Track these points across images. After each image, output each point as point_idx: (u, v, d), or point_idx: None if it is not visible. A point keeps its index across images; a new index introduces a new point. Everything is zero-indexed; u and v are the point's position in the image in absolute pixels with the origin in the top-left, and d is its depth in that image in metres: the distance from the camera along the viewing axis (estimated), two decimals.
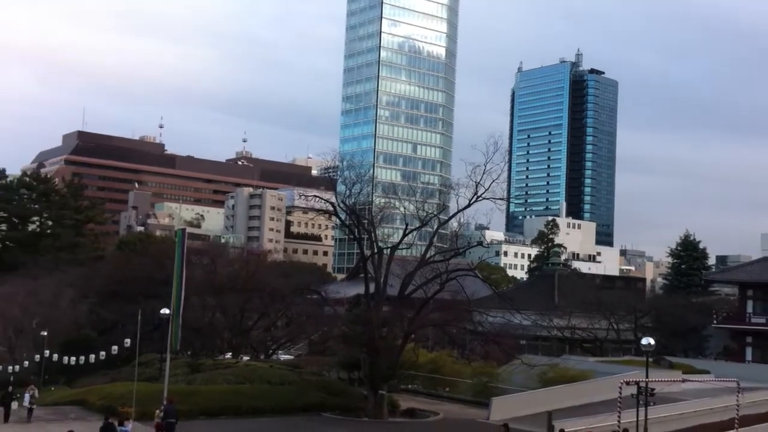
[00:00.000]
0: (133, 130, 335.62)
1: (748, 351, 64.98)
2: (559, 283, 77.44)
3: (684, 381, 37.41)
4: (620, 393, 29.62)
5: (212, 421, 37.71)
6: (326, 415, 40.82)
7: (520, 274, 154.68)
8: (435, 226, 49.78)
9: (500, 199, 46.39)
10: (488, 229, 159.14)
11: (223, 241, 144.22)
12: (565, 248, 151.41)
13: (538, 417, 33.22)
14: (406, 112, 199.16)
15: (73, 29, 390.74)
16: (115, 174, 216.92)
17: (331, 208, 47.84)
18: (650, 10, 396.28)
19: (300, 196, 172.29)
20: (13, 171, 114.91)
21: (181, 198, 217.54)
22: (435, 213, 50.97)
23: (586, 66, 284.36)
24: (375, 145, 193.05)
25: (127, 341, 45.78)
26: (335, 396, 43.79)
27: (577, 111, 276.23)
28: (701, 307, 74.59)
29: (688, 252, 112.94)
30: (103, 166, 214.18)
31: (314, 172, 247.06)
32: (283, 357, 64.94)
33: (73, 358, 50.69)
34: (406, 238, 46.50)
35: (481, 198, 43.51)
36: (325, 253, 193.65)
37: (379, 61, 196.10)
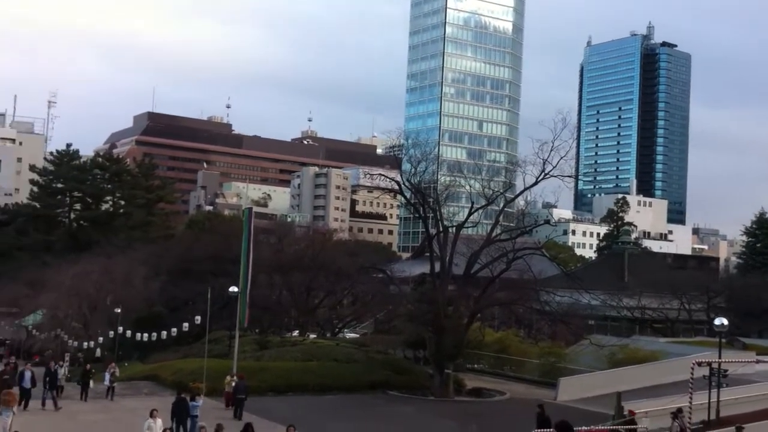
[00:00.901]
0: (201, 110, 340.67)
1: None
2: (629, 262, 76.03)
3: (758, 362, 36.39)
4: (692, 374, 28.92)
5: (281, 397, 38.24)
6: (392, 393, 40.97)
7: (589, 254, 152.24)
8: (501, 205, 49.27)
9: (568, 176, 45.54)
10: (556, 207, 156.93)
11: (289, 220, 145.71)
12: (635, 227, 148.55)
13: (606, 398, 32.67)
14: (472, 89, 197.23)
15: (139, 13, 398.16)
16: (184, 154, 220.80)
17: (396, 187, 47.69)
18: None
19: (365, 174, 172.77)
20: (87, 152, 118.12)
21: (248, 177, 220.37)
22: (501, 191, 50.37)
23: (657, 39, 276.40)
24: (440, 123, 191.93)
25: (198, 318, 46.68)
26: (401, 374, 43.88)
27: (648, 85, 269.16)
28: None
29: (764, 230, 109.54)
30: (172, 147, 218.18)
31: (379, 150, 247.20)
32: (349, 335, 65.40)
33: (146, 335, 51.92)
34: (471, 217, 46.07)
35: (548, 176, 42.78)
36: (390, 232, 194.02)
37: (444, 37, 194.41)
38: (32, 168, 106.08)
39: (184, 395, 28.56)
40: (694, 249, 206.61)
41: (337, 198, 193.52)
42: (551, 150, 42.07)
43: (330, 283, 62.91)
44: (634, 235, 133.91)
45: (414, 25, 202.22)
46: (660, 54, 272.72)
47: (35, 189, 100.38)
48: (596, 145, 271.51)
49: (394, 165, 51.46)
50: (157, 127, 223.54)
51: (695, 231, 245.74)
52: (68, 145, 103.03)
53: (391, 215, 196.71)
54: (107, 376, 35.91)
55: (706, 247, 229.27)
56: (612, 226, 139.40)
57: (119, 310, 53.13)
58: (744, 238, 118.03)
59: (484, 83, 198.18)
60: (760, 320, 68.21)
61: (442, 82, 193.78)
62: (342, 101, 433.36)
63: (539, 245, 48.89)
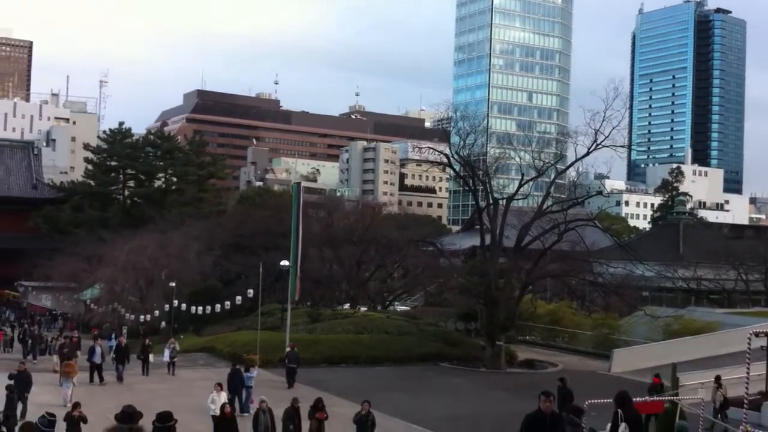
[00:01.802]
0: (249, 87, 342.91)
1: None
2: (684, 232, 74.53)
3: None
4: (749, 345, 28.33)
5: (333, 369, 38.65)
6: (443, 365, 41.04)
7: (643, 224, 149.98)
8: (552, 176, 48.66)
9: (621, 146, 44.78)
10: (608, 178, 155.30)
11: (338, 194, 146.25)
12: (690, 197, 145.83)
13: (661, 369, 32.25)
14: (521, 59, 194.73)
15: None
16: (233, 131, 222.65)
17: (445, 160, 47.42)
18: None
19: (414, 148, 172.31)
20: (139, 130, 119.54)
21: (297, 153, 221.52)
22: (552, 162, 49.74)
23: (711, 5, 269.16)
24: (489, 95, 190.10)
25: (250, 292, 47.22)
26: (452, 346, 43.93)
27: (702, 53, 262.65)
28: None
29: None
30: (222, 123, 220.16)
31: (427, 124, 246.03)
32: (400, 308, 65.62)
33: (200, 308, 52.80)
34: (522, 189, 45.64)
35: (600, 146, 42.05)
36: (440, 205, 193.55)
37: (492, 8, 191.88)
38: (86, 146, 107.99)
39: (239, 366, 29.03)
40: (751, 219, 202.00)
41: (386, 172, 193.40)
42: (603, 120, 41.32)
43: (380, 256, 63.07)
44: (689, 206, 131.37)
45: None
46: (714, 21, 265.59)
47: (90, 167, 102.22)
48: (649, 114, 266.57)
49: (442, 138, 51.14)
50: (207, 104, 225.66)
51: (752, 200, 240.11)
52: (120, 124, 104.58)
53: (440, 188, 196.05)
54: (167, 352, 36.33)
55: (763, 216, 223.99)
56: (666, 196, 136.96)
57: (174, 284, 54.00)
58: None
59: (534, 54, 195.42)
60: None
61: (490, 53, 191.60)
62: (389, 75, 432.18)
63: (591, 216, 48.32)
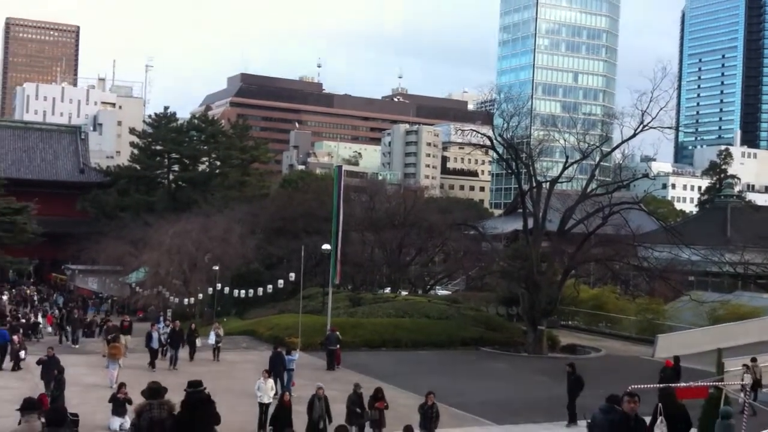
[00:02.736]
0: (292, 70, 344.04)
1: None
2: (732, 216, 72.96)
3: None
4: None
5: (375, 352, 38.73)
6: (485, 349, 40.90)
7: (689, 208, 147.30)
8: (597, 159, 48.00)
9: (668, 128, 43.94)
10: (655, 160, 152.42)
11: (380, 178, 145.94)
12: (739, 179, 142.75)
13: (706, 355, 31.68)
14: (567, 39, 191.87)
15: None
16: (276, 114, 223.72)
17: (488, 143, 46.98)
18: None
19: (456, 131, 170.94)
20: (183, 114, 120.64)
21: (339, 136, 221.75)
22: (597, 144, 49.09)
23: None
24: (533, 76, 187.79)
25: (292, 275, 47.49)
26: (494, 331, 43.72)
27: (753, 32, 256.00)
28: None
29: None
30: (265, 107, 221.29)
31: (470, 106, 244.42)
32: (441, 292, 65.43)
33: (243, 291, 53.22)
34: (566, 172, 45.03)
35: (647, 127, 41.31)
36: (482, 189, 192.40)
37: None
38: (132, 131, 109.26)
39: (281, 349, 29.18)
40: None
41: (428, 155, 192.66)
42: (650, 101, 40.60)
43: (422, 240, 62.91)
44: (737, 188, 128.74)
45: None
46: (766, 0, 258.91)
47: (135, 151, 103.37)
48: (698, 95, 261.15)
49: (486, 120, 50.89)
50: (250, 88, 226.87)
51: None
52: (165, 108, 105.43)
53: (483, 171, 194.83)
54: (212, 336, 36.46)
55: None
56: (714, 179, 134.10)
57: (217, 268, 54.48)
58: None
59: (580, 33, 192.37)
60: None
61: (535, 33, 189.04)
62: (433, 58, 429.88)
63: (637, 200, 47.53)
